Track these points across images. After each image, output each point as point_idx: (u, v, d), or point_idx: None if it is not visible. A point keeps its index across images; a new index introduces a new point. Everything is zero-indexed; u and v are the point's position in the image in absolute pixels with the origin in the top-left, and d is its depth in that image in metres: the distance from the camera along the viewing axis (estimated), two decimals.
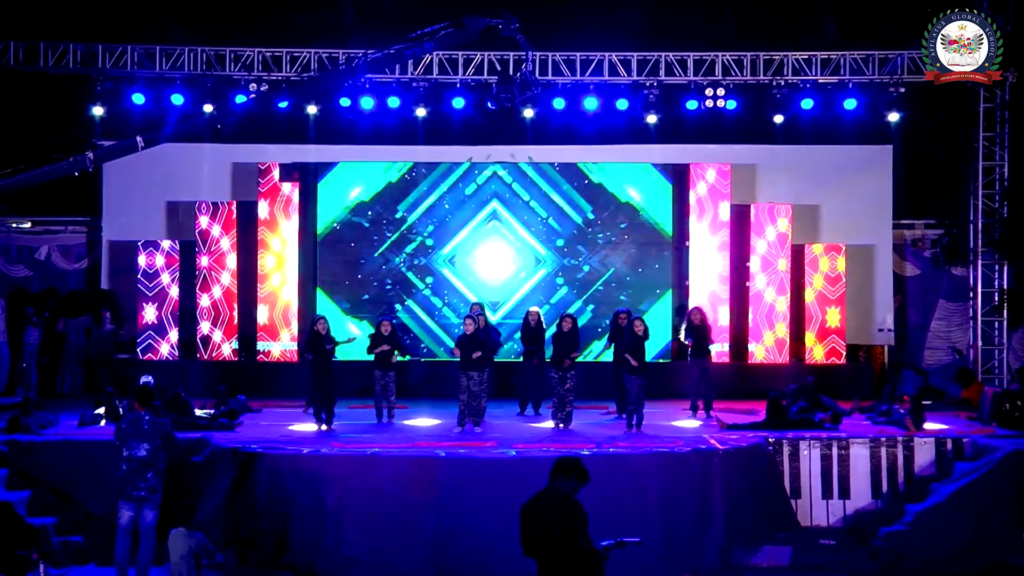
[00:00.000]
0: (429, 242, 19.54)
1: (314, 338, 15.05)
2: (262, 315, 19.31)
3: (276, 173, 19.42)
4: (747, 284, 19.53)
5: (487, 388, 15.15)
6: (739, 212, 19.55)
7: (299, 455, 12.79)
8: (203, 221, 19.30)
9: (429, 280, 19.54)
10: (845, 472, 13.76)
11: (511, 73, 14.88)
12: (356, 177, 19.56)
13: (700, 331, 16.43)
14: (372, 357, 15.71)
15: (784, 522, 13.41)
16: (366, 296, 19.49)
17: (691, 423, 15.70)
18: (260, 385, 18.49)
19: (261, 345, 19.27)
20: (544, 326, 16.43)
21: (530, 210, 19.52)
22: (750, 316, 19.38)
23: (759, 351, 19.30)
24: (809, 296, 19.36)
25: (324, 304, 19.36)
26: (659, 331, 19.03)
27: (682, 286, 19.62)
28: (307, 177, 19.62)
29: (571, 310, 18.54)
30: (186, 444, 12.94)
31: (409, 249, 19.53)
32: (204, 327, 19.23)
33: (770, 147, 19.67)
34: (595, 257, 19.52)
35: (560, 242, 19.53)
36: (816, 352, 19.24)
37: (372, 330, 16.47)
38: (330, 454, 12.86)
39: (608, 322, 17.18)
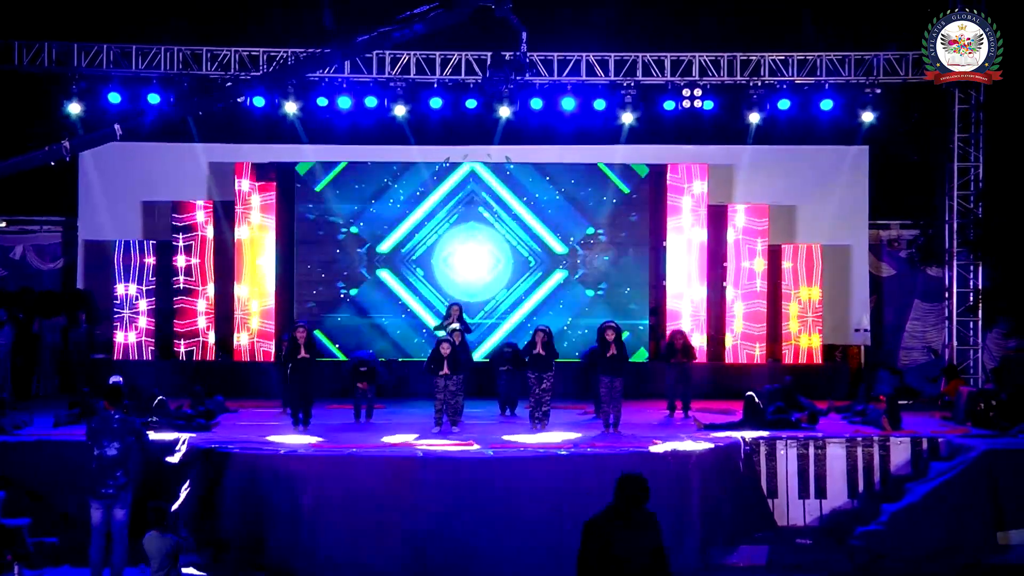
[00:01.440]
0: (407, 243, 19.47)
1: (293, 349, 14.91)
2: (239, 317, 19.20)
3: (253, 173, 19.33)
4: (724, 284, 19.54)
5: (463, 388, 15.09)
6: (716, 212, 19.55)
7: (276, 455, 12.70)
8: (179, 221, 19.19)
9: (409, 278, 19.45)
10: (822, 472, 13.76)
11: (503, 55, 14.69)
12: (333, 177, 19.45)
13: (683, 353, 16.49)
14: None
15: (761, 522, 13.41)
16: (343, 295, 19.42)
17: (668, 423, 15.73)
18: (237, 385, 18.40)
19: (238, 344, 19.18)
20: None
21: (509, 210, 19.46)
22: (727, 316, 19.40)
23: (736, 350, 19.34)
24: (786, 296, 19.41)
25: (301, 305, 19.28)
26: (635, 330, 19.08)
27: (659, 286, 19.62)
28: (284, 177, 19.52)
29: (547, 317, 18.53)
30: (161, 445, 12.87)
31: (388, 250, 19.45)
32: (180, 327, 19.11)
33: (747, 147, 19.69)
34: (575, 258, 19.49)
35: (537, 244, 19.50)
36: (792, 351, 19.31)
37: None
38: (307, 454, 12.79)
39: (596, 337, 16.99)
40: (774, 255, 19.53)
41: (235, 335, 19.22)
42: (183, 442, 13.15)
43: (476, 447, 13.20)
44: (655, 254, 19.67)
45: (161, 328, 19.23)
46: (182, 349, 19.13)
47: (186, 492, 12.63)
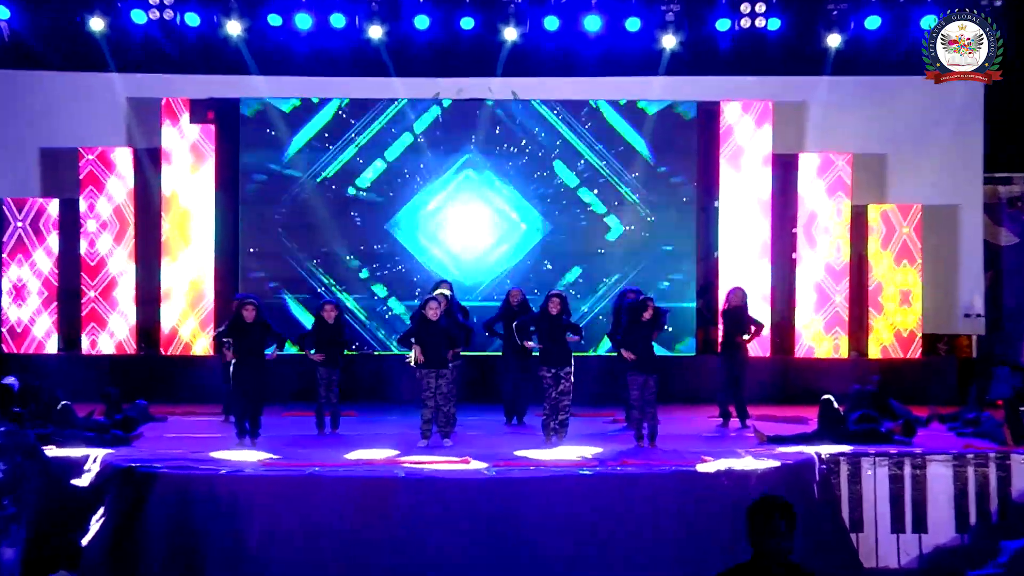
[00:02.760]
0: (384, 202, 19.52)
1: (237, 327, 14.84)
2: (167, 296, 19.23)
3: (186, 112, 19.30)
4: (793, 256, 19.56)
5: (455, 389, 15.05)
6: (783, 164, 19.54)
7: (215, 476, 12.66)
8: (90, 173, 19.17)
9: (383, 251, 19.51)
10: (921, 498, 13.68)
11: None
12: (290, 117, 19.48)
13: (737, 319, 16.37)
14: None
15: (842, 563, 13.30)
16: (302, 271, 19.44)
17: (721, 435, 15.71)
18: (165, 386, 18.47)
19: (166, 334, 19.20)
20: (531, 309, 16.38)
21: (513, 161, 19.50)
22: (797, 297, 19.39)
23: (809, 341, 19.34)
24: (874, 271, 19.37)
25: (249, 283, 19.29)
26: (678, 316, 19.05)
27: (709, 258, 19.65)
28: (226, 117, 19.52)
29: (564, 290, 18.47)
30: (66, 463, 12.81)
31: (359, 211, 19.50)
32: (90, 311, 19.14)
33: (823, 79, 19.61)
34: (596, 222, 19.53)
35: (551, 202, 19.53)
36: (881, 342, 19.29)
37: (311, 319, 16.41)
38: (255, 475, 12.75)
39: (612, 305, 17.07)
40: (859, 219, 19.50)
41: (162, 321, 19.22)
42: (95, 460, 13.09)
43: (474, 465, 13.18)
44: (704, 218, 19.69)
45: (66, 313, 19.24)
46: (96, 339, 19.14)
47: (99, 524, 12.56)
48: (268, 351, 14.88)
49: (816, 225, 19.40)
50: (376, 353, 19.18)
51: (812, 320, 19.38)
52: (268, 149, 19.43)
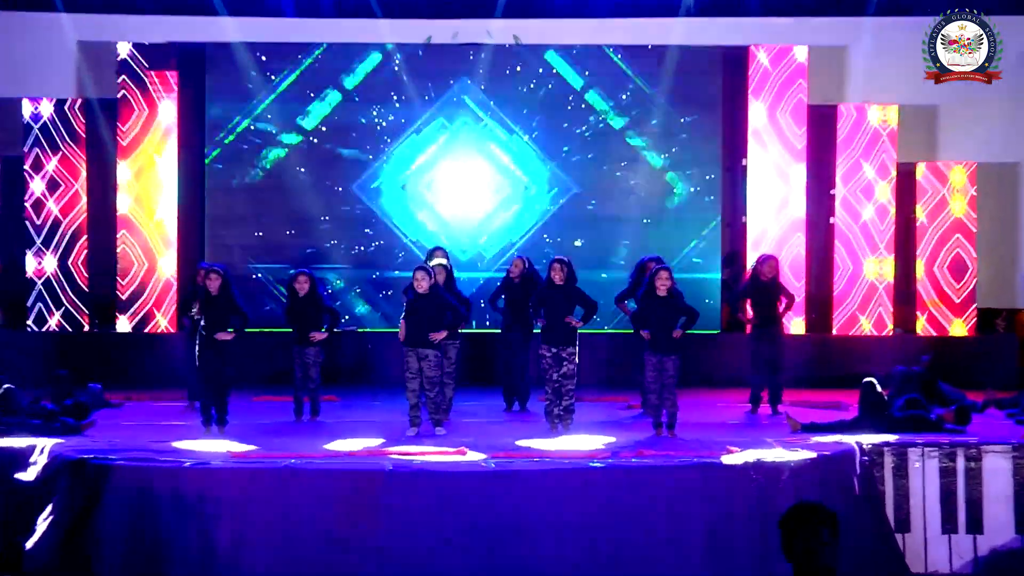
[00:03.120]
0: (369, 161, 19.51)
1: (200, 297, 14.78)
2: (123, 266, 19.19)
3: (144, 58, 19.24)
4: (831, 220, 19.58)
5: (454, 371, 15.01)
6: (820, 117, 19.57)
7: (179, 469, 12.61)
8: (34, 128, 19.12)
9: (365, 214, 19.52)
10: (976, 495, 13.62)
11: None
12: (263, 64, 19.48)
13: (769, 292, 16.31)
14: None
15: (887, 566, 13.31)
16: (276, 239, 19.46)
17: (749, 423, 15.72)
18: (122, 369, 18.52)
19: (123, 308, 19.20)
20: (536, 281, 16.33)
21: (515, 114, 19.52)
22: (836, 268, 19.40)
23: (849, 316, 19.35)
24: (922, 238, 19.40)
25: (217, 251, 19.29)
26: (702, 287, 19.03)
27: (736, 224, 19.69)
28: (191, 64, 19.55)
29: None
30: (8, 455, 12.79)
31: (340, 170, 19.50)
32: (37, 284, 19.15)
33: (866, 20, 19.66)
34: (610, 183, 19.56)
35: (556, 162, 19.55)
36: (931, 318, 19.32)
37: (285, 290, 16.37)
38: (224, 468, 12.72)
39: (631, 274, 16.99)
40: (906, 178, 19.51)
41: (118, 295, 19.21)
42: (42, 451, 13.04)
43: (470, 456, 13.16)
44: (730, 178, 19.75)
45: (8, 285, 19.28)
46: (44, 314, 19.15)
47: (46, 524, 12.53)
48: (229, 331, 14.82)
49: (857, 186, 19.38)
50: (360, 330, 19.14)
51: (852, 292, 19.38)
52: (238, 101, 19.42)
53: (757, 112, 19.40)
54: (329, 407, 16.24)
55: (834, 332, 19.42)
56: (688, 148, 19.54)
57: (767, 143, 19.39)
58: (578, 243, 19.41)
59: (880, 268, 19.33)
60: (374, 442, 14.01)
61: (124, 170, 19.27)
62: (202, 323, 14.83)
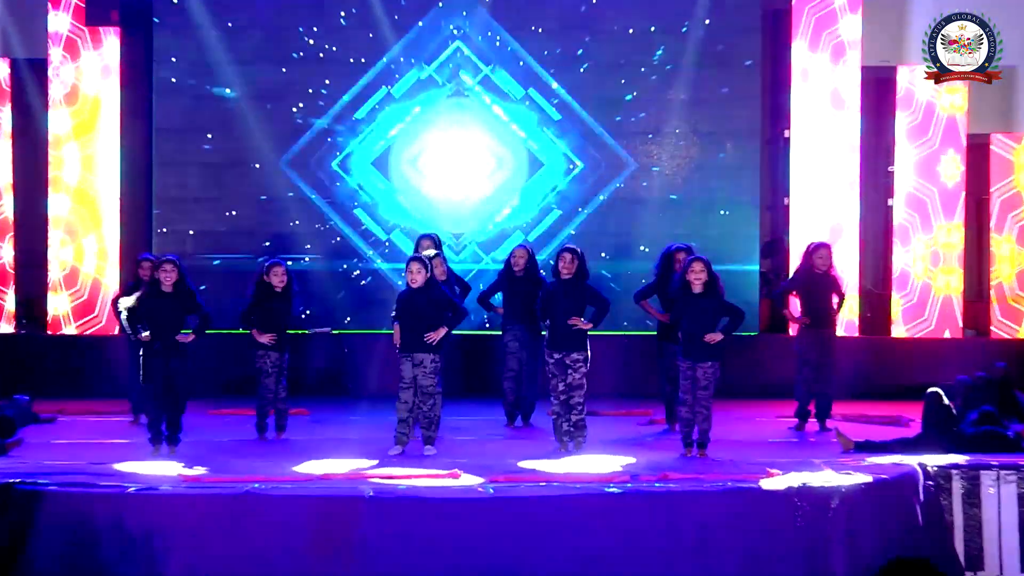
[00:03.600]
0: (343, 133, 19.56)
1: (150, 296, 14.68)
2: (55, 258, 19.27)
3: (79, 11, 19.27)
4: (889, 203, 19.65)
5: (439, 379, 14.97)
6: (877, 80, 19.69)
7: (122, 496, 12.55)
8: None
9: (344, 194, 19.56)
10: None
11: None
12: (217, 18, 19.48)
13: (822, 286, 16.27)
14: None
15: None
16: (238, 226, 19.53)
17: (794, 440, 15.67)
18: (54, 377, 18.63)
19: (55, 306, 19.23)
20: (541, 276, 16.27)
21: (516, 72, 19.56)
22: (894, 257, 19.41)
23: (910, 316, 19.36)
24: (997, 223, 19.47)
25: (169, 238, 19.38)
26: (737, 281, 18.93)
27: (777, 206, 19.75)
28: (135, 18, 19.59)
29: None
30: None
31: (313, 141, 19.56)
32: None
33: None
34: (624, 158, 19.55)
35: (563, 135, 19.57)
36: (1008, 318, 19.36)
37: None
38: (175, 494, 12.63)
39: (655, 267, 16.90)
40: (978, 152, 19.56)
41: (49, 292, 19.28)
42: None
43: (465, 480, 13.10)
44: (770, 152, 19.92)
45: None
46: None
47: None
48: (187, 331, 14.73)
49: (920, 162, 19.42)
50: (335, 331, 19.10)
51: (914, 288, 19.38)
52: (191, 62, 19.48)
53: (801, 76, 19.45)
54: (298, 422, 16.21)
55: (893, 334, 19.43)
56: (722, 116, 19.59)
57: (814, 111, 19.43)
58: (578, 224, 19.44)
59: (948, 258, 19.38)
60: (352, 464, 13.95)
61: (56, 142, 19.33)
62: (142, 330, 14.76)
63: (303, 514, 12.37)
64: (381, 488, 12.71)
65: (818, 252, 16.40)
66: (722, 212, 19.51)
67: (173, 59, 19.43)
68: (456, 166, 19.65)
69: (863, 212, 19.48)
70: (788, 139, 19.59)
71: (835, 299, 16.43)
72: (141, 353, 14.91)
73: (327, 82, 19.50)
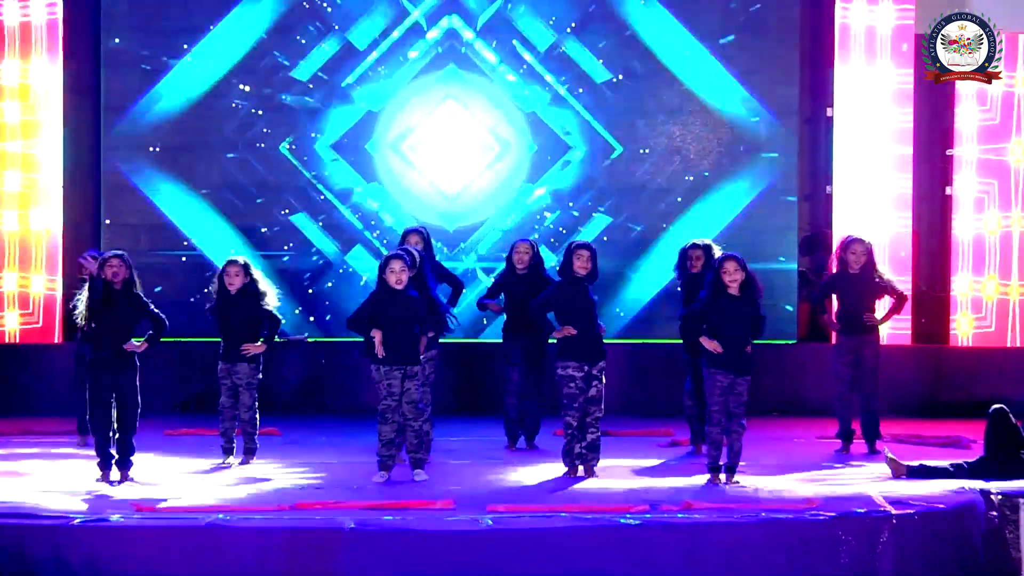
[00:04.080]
0: (325, 115, 19.68)
1: (94, 304, 14.75)
2: None
3: None
4: (947, 191, 19.67)
5: (430, 395, 15.05)
6: None
7: (65, 528, 12.60)
8: None
9: (329, 183, 19.62)
10: None
11: None
12: None
13: (858, 288, 16.34)
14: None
15: None
16: (203, 218, 19.64)
17: (837, 464, 15.69)
18: None
19: None
20: (548, 276, 16.29)
21: (516, 53, 19.59)
22: (954, 254, 19.48)
23: (968, 325, 19.38)
24: None
25: (117, 230, 19.46)
26: (773, 283, 18.97)
27: (818, 196, 19.82)
28: None
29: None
30: None
31: (284, 121, 19.70)
32: None
33: None
34: (642, 145, 19.71)
35: (569, 119, 19.70)
36: None
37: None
38: (126, 526, 12.66)
39: (675, 268, 17.01)
40: None
41: None
42: None
43: (460, 511, 13.08)
44: (810, 132, 19.94)
45: None
46: None
47: None
48: (138, 340, 14.72)
49: (984, 144, 19.47)
50: (309, 339, 19.16)
51: (976, 289, 19.46)
52: (146, 31, 19.57)
53: (845, 44, 19.49)
54: (268, 443, 16.22)
55: (952, 343, 19.49)
56: (763, 93, 19.71)
57: (861, 86, 19.49)
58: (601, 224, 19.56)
59: (1013, 256, 19.46)
60: (329, 491, 14.01)
61: None
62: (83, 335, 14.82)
63: (274, 548, 12.36)
64: (363, 519, 12.67)
65: (851, 248, 16.42)
66: (754, 202, 19.66)
67: (124, 27, 19.52)
68: (450, 149, 19.78)
69: (916, 201, 19.56)
70: (831, 119, 19.64)
71: (878, 303, 16.49)
72: (89, 360, 14.97)
73: (301, 51, 19.62)
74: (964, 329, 19.42)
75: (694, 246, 16.19)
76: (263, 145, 19.62)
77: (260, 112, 19.62)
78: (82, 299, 14.78)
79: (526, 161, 19.68)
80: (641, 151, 19.68)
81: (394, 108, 19.69)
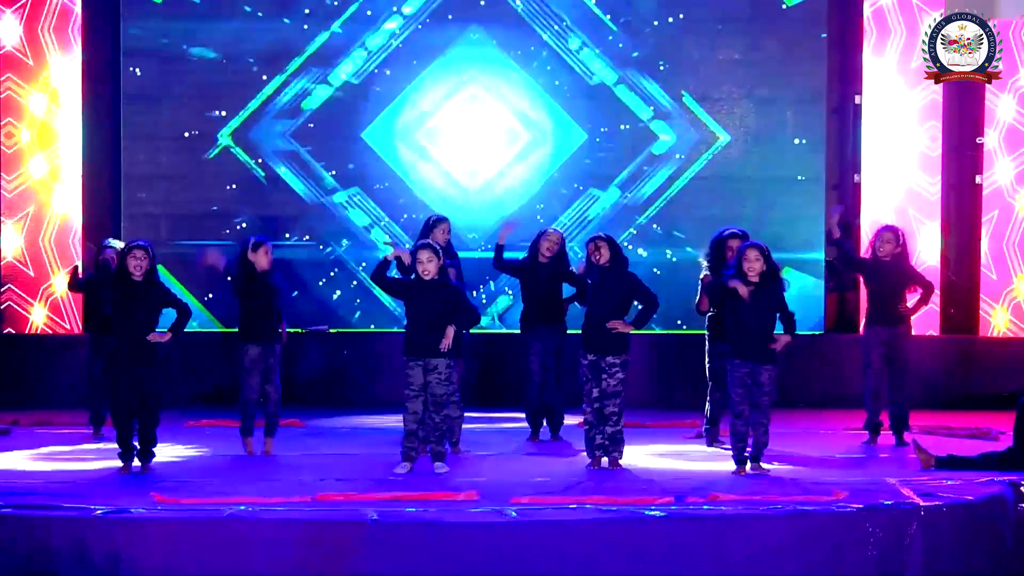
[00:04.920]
0: (340, 104, 19.68)
1: (116, 286, 14.75)
2: (7, 244, 19.38)
3: None
4: (978, 180, 19.64)
5: (458, 387, 15.10)
6: None
7: (86, 519, 12.61)
8: None
9: (347, 173, 19.66)
10: None
11: None
12: None
13: (889, 277, 16.33)
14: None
15: None
16: (215, 207, 19.69)
17: (865, 456, 15.69)
18: (5, 383, 18.75)
19: (4, 301, 19.38)
20: (571, 270, 16.27)
21: (537, 37, 19.62)
22: (984, 245, 19.47)
23: (1002, 317, 19.37)
24: None
25: (138, 222, 19.47)
26: (799, 274, 19.16)
27: (845, 184, 19.82)
28: None
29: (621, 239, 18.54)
30: None
31: (306, 118, 19.68)
32: None
33: None
34: (668, 136, 19.69)
35: (594, 105, 19.74)
36: None
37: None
38: (148, 518, 12.63)
39: (707, 256, 16.95)
40: None
41: (3, 281, 19.39)
42: None
43: (483, 503, 13.09)
44: (838, 120, 19.91)
45: None
46: None
47: None
48: (161, 329, 14.65)
49: (1015, 132, 19.46)
50: (332, 330, 19.20)
51: (1010, 281, 19.50)
52: (166, 17, 19.56)
53: (874, 29, 19.51)
54: (290, 434, 16.27)
55: (983, 333, 19.49)
56: (782, 79, 19.73)
57: (889, 73, 19.50)
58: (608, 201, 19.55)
59: None
60: (352, 483, 14.01)
61: (5, 111, 19.43)
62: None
63: (295, 540, 12.34)
64: (387, 511, 12.66)
65: (882, 236, 16.40)
66: (780, 191, 19.68)
67: (144, 14, 19.52)
68: (469, 135, 19.80)
69: (946, 190, 19.53)
70: (859, 106, 19.64)
71: (914, 292, 16.48)
72: (107, 352, 15.00)
73: (320, 27, 19.66)
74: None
75: (732, 234, 16.05)
76: (295, 134, 19.63)
77: (287, 102, 19.62)
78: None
79: (542, 148, 19.68)
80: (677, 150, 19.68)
81: (418, 96, 19.68)
